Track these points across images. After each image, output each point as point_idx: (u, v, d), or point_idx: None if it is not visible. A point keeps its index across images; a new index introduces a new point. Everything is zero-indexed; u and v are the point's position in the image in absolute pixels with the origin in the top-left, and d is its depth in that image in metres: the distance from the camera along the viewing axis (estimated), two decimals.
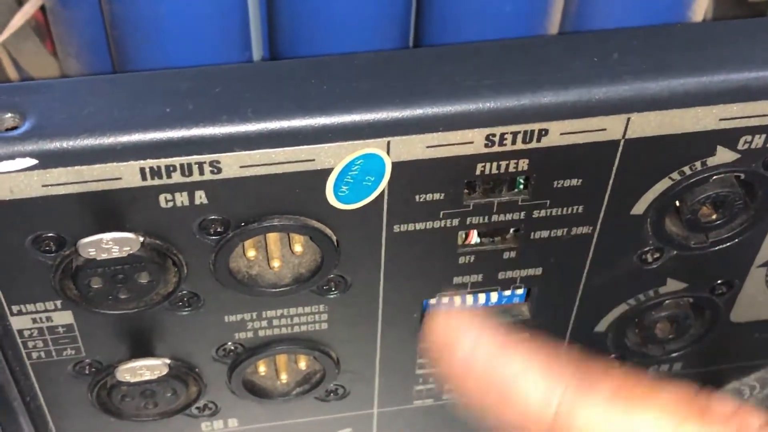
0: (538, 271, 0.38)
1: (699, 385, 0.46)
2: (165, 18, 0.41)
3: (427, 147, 0.32)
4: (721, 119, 0.33)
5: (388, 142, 0.32)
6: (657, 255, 0.38)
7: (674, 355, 0.44)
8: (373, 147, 0.31)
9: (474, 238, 0.36)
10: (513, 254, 0.37)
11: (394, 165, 0.32)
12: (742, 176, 0.35)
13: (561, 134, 0.32)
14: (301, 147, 0.31)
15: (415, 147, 0.32)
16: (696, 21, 0.44)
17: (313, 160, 0.31)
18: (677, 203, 0.36)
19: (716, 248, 0.38)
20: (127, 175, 0.30)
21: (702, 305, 0.42)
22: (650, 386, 0.29)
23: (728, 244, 0.38)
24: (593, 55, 0.32)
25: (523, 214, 0.35)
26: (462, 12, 0.43)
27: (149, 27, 0.42)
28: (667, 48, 0.33)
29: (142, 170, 0.30)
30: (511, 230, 0.36)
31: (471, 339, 0.30)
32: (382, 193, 0.33)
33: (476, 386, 0.30)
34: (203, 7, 0.41)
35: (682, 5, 0.44)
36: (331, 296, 0.36)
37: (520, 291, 0.39)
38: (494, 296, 0.39)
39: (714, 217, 0.37)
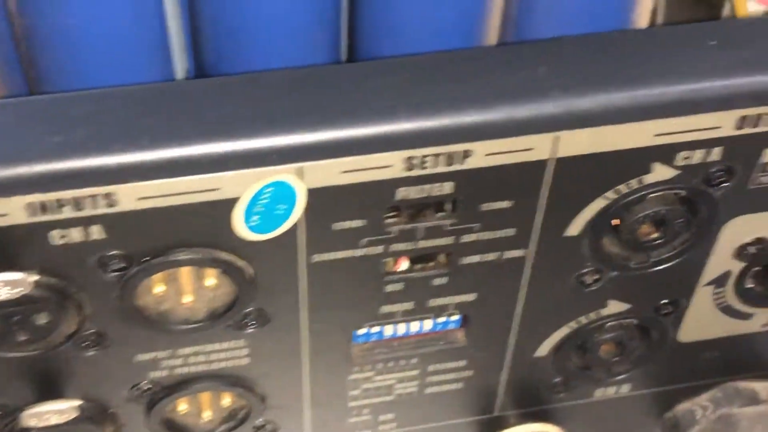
0: (472, 296, 0.36)
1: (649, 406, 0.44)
2: (76, 33, 0.39)
3: (343, 172, 0.30)
4: (656, 135, 0.31)
5: (301, 168, 0.29)
6: (596, 276, 0.36)
7: (621, 377, 0.42)
8: (284, 173, 0.29)
9: (403, 264, 0.34)
10: (444, 280, 0.35)
11: (310, 192, 0.30)
12: (683, 193, 0.34)
13: (486, 155, 0.30)
14: (204, 176, 0.28)
15: (331, 172, 0.30)
16: (641, 25, 0.42)
17: (218, 189, 0.29)
18: (615, 222, 0.35)
19: (659, 268, 0.36)
20: (13, 210, 0.28)
21: (647, 326, 0.40)
22: None
23: (671, 263, 0.36)
24: (521, 70, 0.30)
25: (451, 238, 0.33)
26: (397, 23, 0.41)
27: (62, 43, 0.39)
28: (601, 59, 0.31)
29: (30, 205, 0.28)
30: (441, 256, 0.34)
31: None
32: (298, 221, 0.31)
33: None
34: (116, 21, 0.39)
35: (624, 10, 0.42)
36: (250, 330, 0.34)
37: (455, 317, 0.37)
38: (428, 324, 0.37)
39: (655, 236, 0.35)
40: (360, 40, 0.44)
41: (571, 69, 0.30)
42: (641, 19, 0.44)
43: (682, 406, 0.45)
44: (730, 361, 0.43)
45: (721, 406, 0.44)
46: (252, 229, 0.30)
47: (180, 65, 0.45)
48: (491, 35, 0.44)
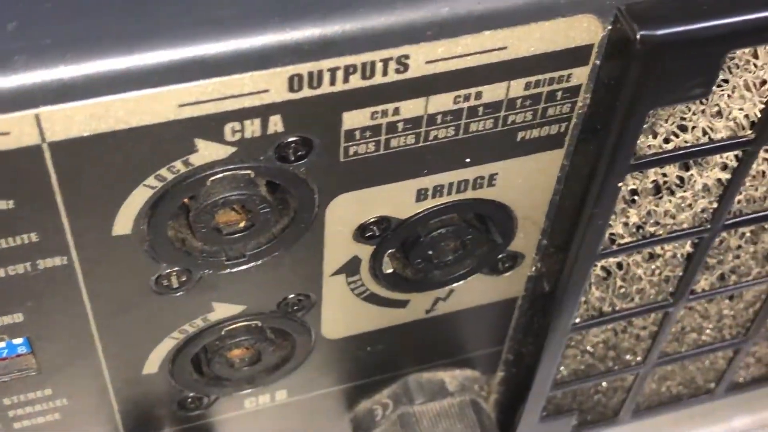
0: (19, 317, 0.28)
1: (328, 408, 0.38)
2: None
3: None
4: (180, 105, 0.24)
5: None
6: (184, 278, 0.29)
7: (271, 384, 0.36)
8: None
9: None
10: None
11: None
12: (252, 174, 0.27)
13: None
14: None
15: None
16: None
17: None
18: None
19: (261, 261, 0.30)
20: None
21: (280, 327, 0.33)
22: None
23: (276, 254, 0.30)
24: None
25: None
26: None
27: None
28: (100, 11, 0.24)
29: None
30: None
31: None
32: None
33: None
34: None
35: None
36: None
37: (18, 341, 0.30)
38: None
39: (242, 225, 0.29)
40: None
41: (55, 24, 0.23)
42: None
43: (363, 405, 0.39)
44: (405, 352, 0.37)
45: (401, 403, 0.38)
46: None
47: None
48: None
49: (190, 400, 0.35)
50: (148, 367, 0.32)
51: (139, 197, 0.26)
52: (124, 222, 0.27)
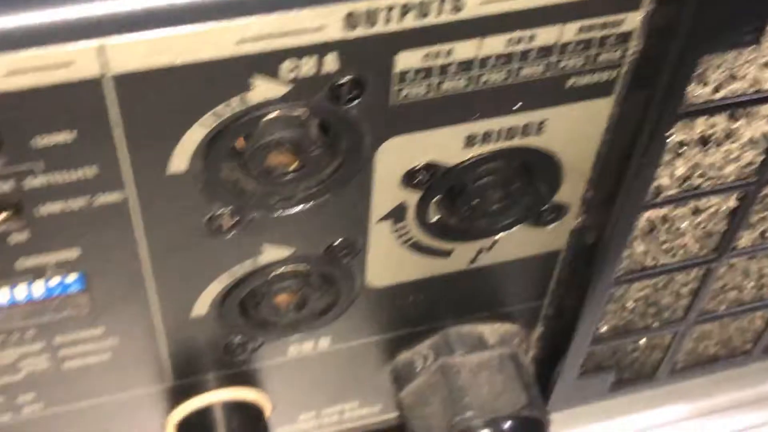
0: (75, 252, 0.29)
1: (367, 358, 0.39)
2: None
3: None
4: (239, 42, 0.24)
5: None
6: (236, 219, 0.30)
7: (315, 330, 0.36)
8: None
9: None
10: (25, 236, 0.28)
11: None
12: (306, 114, 0.27)
13: (7, 75, 0.23)
14: None
15: None
16: None
17: None
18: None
19: (311, 204, 0.30)
20: None
21: (326, 272, 0.34)
22: None
23: (324, 198, 0.30)
24: None
25: (11, 183, 0.26)
26: None
27: None
28: None
29: None
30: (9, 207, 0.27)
31: None
32: None
33: None
34: None
35: None
36: None
37: (72, 279, 0.30)
38: (38, 288, 0.30)
39: (294, 167, 0.29)
40: None
41: None
42: None
43: (403, 356, 0.40)
44: (446, 303, 0.38)
45: (441, 354, 0.39)
46: None
47: None
48: None
49: (236, 344, 0.35)
50: (197, 308, 0.33)
51: (195, 135, 0.27)
52: (180, 160, 0.27)
